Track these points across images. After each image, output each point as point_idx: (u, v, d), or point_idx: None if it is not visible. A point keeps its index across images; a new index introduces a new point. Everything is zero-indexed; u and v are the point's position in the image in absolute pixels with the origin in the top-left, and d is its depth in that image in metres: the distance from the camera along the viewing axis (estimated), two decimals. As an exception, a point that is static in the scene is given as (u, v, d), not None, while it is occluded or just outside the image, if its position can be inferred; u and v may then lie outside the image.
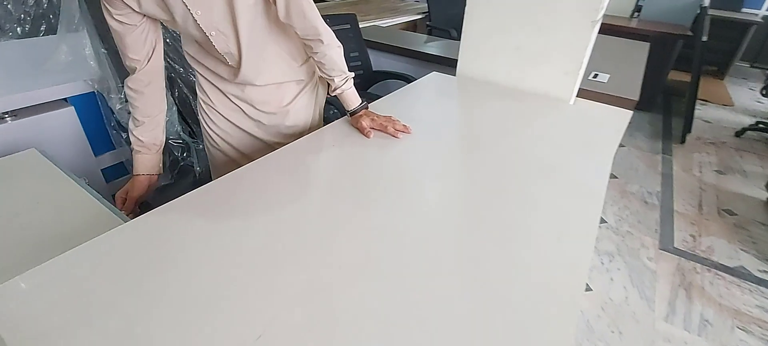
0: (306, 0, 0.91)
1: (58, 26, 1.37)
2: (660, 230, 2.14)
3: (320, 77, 1.19)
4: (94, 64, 1.41)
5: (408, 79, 1.98)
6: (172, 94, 1.48)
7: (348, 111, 1.09)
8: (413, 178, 0.91)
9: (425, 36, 2.48)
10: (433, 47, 2.22)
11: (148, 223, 0.76)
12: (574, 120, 1.27)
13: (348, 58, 2.13)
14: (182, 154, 1.43)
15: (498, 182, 0.90)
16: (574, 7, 1.23)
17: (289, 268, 0.64)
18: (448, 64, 1.85)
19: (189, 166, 1.41)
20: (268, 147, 1.16)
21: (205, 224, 0.75)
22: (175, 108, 1.48)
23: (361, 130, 1.06)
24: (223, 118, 1.12)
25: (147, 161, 1.04)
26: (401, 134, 1.05)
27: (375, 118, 1.07)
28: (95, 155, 1.53)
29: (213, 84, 1.08)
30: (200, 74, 1.09)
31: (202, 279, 0.62)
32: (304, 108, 1.15)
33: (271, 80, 1.05)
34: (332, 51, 1.01)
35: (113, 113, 1.43)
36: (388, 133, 1.05)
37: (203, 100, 1.12)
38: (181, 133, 1.47)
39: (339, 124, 1.13)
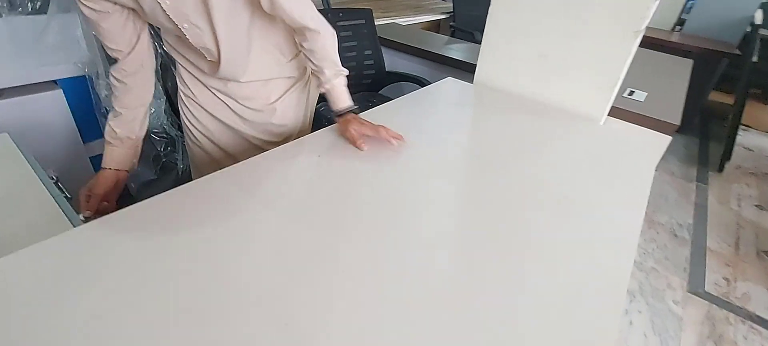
0: None
1: (49, 5, 1.29)
2: (690, 269, 1.94)
3: (313, 72, 1.08)
4: (85, 46, 1.33)
5: (422, 83, 1.84)
6: (164, 84, 1.39)
7: (334, 111, 0.96)
8: (408, 203, 0.77)
9: (446, 37, 2.34)
10: (453, 50, 2.07)
11: (95, 232, 0.65)
12: (603, 143, 1.11)
13: (361, 56, 2.02)
14: (165, 149, 1.33)
15: (510, 215, 0.76)
16: (614, 14, 1.07)
17: (243, 313, 0.51)
18: (468, 70, 1.71)
19: (172, 162, 1.32)
20: (254, 148, 1.05)
21: (157, 240, 0.63)
22: (163, 99, 1.38)
23: (350, 140, 0.92)
24: (205, 113, 1.02)
25: (118, 155, 0.95)
26: (401, 147, 0.92)
27: (364, 123, 0.93)
28: (84, 142, 1.45)
29: (194, 76, 0.98)
30: (180, 65, 0.99)
31: (133, 310, 0.50)
32: (294, 106, 1.03)
33: (255, 77, 0.94)
34: (325, 40, 0.88)
35: (101, 99, 1.34)
36: (381, 137, 0.91)
37: (184, 93, 1.03)
38: (167, 126, 1.37)
39: (332, 131, 1.01)
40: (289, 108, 1.02)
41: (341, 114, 0.95)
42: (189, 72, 0.99)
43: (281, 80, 0.99)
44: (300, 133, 1.06)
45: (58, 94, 1.34)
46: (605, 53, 1.13)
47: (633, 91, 1.58)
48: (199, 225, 0.67)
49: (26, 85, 1.28)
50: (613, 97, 1.18)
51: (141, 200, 0.71)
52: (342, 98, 0.95)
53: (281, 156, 0.88)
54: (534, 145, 1.05)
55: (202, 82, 0.99)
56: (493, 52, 1.34)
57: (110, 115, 0.95)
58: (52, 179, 1.04)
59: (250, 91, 0.97)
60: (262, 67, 0.94)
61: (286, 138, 1.04)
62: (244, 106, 0.99)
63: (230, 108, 1.00)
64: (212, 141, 1.06)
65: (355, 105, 0.96)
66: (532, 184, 0.87)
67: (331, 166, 0.85)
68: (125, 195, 1.49)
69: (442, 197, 0.80)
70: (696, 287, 1.83)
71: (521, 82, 1.30)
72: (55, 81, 1.34)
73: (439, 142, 1.01)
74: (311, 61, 0.93)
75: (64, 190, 1.01)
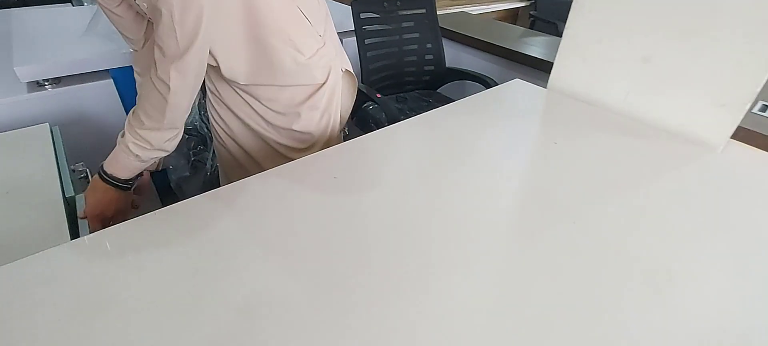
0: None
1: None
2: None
3: (346, 72, 0.93)
4: (134, 35, 1.31)
5: (487, 84, 1.61)
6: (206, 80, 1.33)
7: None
8: (433, 259, 0.58)
9: (521, 29, 2.05)
10: (527, 45, 1.79)
11: (80, 249, 0.59)
12: (722, 180, 0.83)
13: (422, 50, 1.83)
14: (195, 147, 1.28)
15: (582, 289, 0.54)
16: (754, 5, 0.77)
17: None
18: (545, 70, 1.45)
19: (201, 162, 1.27)
20: (278, 155, 0.96)
21: (142, 271, 0.53)
22: (198, 94, 1.34)
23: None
24: (229, 112, 0.94)
25: None
26: (437, 174, 0.74)
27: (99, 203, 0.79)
28: (134, 132, 1.46)
29: (219, 73, 0.89)
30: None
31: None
32: (320, 113, 0.90)
33: (272, 81, 0.82)
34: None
35: (146, 90, 1.32)
36: None
37: (210, 90, 0.96)
38: (198, 123, 1.32)
39: (361, 143, 0.85)
40: (315, 116, 0.89)
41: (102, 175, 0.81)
42: (212, 66, 0.90)
43: (300, 87, 0.86)
44: (327, 143, 0.93)
45: (109, 83, 1.35)
46: (737, 58, 0.83)
47: (767, 106, 1.21)
48: (216, 250, 0.56)
49: (78, 74, 1.29)
50: (740, 118, 0.88)
51: (183, 197, 0.66)
52: (116, 161, 0.80)
53: (287, 174, 0.74)
54: (621, 181, 0.79)
55: (225, 80, 0.89)
56: (576, 51, 1.08)
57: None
58: (83, 174, 1.02)
59: (271, 93, 0.86)
60: (274, 69, 0.81)
61: (310, 146, 0.92)
62: (267, 106, 0.89)
63: (253, 108, 0.91)
64: (238, 143, 0.98)
65: (128, 182, 0.83)
66: (616, 241, 0.63)
67: (345, 194, 0.69)
68: (166, 187, 1.47)
69: (485, 255, 0.60)
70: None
71: (612, 91, 1.03)
72: (106, 70, 1.35)
73: (490, 168, 0.80)
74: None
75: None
